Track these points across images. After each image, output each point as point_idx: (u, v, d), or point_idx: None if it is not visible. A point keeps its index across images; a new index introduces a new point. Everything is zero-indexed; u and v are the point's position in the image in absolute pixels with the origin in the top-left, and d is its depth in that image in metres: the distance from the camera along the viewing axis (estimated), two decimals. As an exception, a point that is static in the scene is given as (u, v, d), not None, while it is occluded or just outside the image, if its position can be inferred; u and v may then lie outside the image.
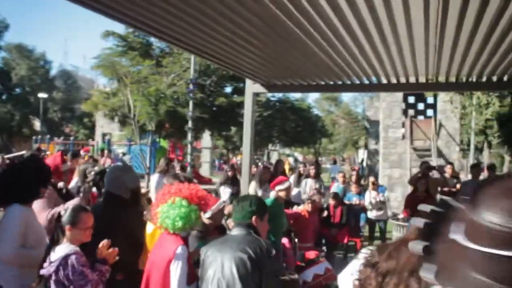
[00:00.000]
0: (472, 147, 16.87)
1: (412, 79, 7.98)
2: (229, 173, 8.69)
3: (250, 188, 8.39)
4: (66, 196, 4.49)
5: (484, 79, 7.59)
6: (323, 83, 8.56)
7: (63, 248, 2.70)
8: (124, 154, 21.64)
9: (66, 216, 2.77)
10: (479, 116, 14.54)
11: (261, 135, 27.43)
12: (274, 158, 38.29)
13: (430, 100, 18.08)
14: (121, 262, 2.92)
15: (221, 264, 2.64)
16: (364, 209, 9.08)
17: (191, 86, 14.65)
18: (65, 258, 2.64)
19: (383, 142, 17.15)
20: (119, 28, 22.93)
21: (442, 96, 16.57)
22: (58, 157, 5.12)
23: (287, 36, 5.53)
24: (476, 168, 9.06)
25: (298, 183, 9.82)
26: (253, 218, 2.90)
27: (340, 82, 8.36)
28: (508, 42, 5.59)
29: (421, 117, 18.45)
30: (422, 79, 7.97)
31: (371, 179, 9.27)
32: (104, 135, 32.94)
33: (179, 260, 2.76)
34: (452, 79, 7.72)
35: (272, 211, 3.87)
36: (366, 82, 8.31)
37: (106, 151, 19.15)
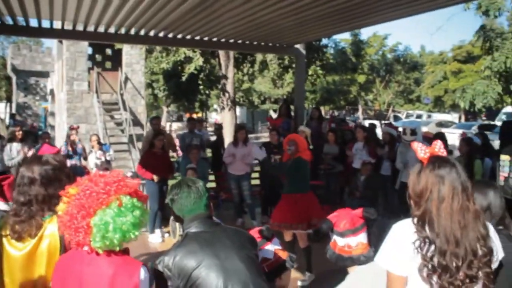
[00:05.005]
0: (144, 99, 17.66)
1: (101, 29, 7.61)
2: None
3: None
4: None
5: (171, 35, 8.00)
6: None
7: None
8: None
9: None
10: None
11: None
12: None
13: (112, 52, 17.68)
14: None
15: (231, 271, 2.01)
16: (86, 170, 8.29)
17: None
18: None
19: (67, 96, 15.87)
20: None
21: (128, 49, 16.50)
22: None
23: None
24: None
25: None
26: (211, 205, 2.26)
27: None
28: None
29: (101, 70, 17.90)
30: (111, 30, 7.72)
31: (94, 137, 8.50)
32: None
33: None
34: (141, 32, 7.81)
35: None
36: (56, 26, 7.28)
37: None
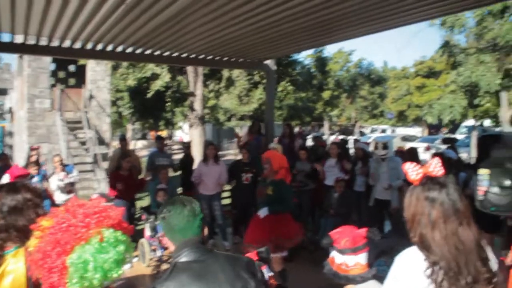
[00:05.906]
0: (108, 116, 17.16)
1: (66, 44, 7.30)
2: None
3: None
4: None
5: (131, 50, 7.73)
6: None
7: None
8: None
9: None
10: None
11: None
12: None
13: (76, 68, 17.19)
14: None
15: None
16: (48, 193, 7.89)
17: None
18: None
19: (28, 114, 15.27)
20: None
21: (93, 66, 16.09)
22: None
23: None
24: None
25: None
26: (205, 229, 2.04)
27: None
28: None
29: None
30: (77, 45, 7.42)
31: (57, 158, 8.12)
32: None
33: None
34: (109, 48, 7.55)
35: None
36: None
37: None
